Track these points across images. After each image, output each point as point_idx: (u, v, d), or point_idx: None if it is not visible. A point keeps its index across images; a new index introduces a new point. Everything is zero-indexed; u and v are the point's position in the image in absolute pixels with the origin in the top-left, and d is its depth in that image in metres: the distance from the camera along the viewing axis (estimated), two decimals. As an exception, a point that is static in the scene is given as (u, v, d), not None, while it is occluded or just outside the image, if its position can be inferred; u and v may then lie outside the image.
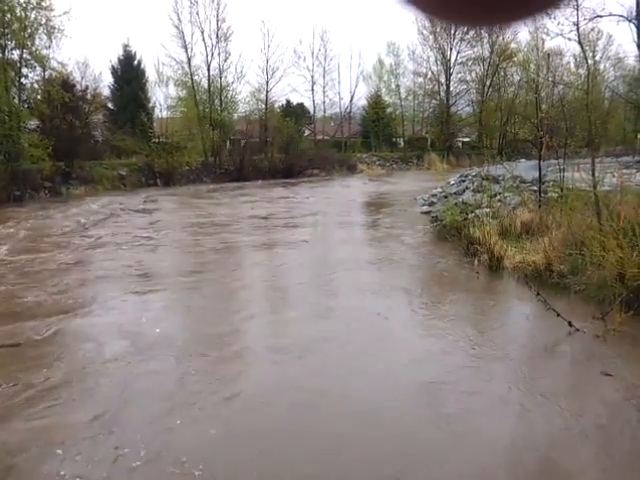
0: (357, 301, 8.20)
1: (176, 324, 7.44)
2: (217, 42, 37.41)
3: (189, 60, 37.00)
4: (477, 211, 11.34)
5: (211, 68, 37.49)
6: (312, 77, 45.94)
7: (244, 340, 6.81)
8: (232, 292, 9.05)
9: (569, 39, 10.62)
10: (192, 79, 37.22)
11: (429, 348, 6.35)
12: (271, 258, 11.82)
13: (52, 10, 26.54)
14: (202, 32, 37.02)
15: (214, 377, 5.44)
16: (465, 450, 4.21)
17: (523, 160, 19.79)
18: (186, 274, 9.98)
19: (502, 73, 45.79)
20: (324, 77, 46.51)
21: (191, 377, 5.43)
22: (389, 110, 50.37)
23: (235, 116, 40.86)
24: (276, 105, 43.81)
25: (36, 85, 29.12)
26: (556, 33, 11.01)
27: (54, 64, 28.83)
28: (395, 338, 6.76)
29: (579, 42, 10.43)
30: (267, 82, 40.82)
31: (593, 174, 9.22)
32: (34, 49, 27.06)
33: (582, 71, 38.34)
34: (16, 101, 26.78)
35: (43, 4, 26.27)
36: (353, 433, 4.37)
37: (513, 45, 44.65)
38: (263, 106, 40.90)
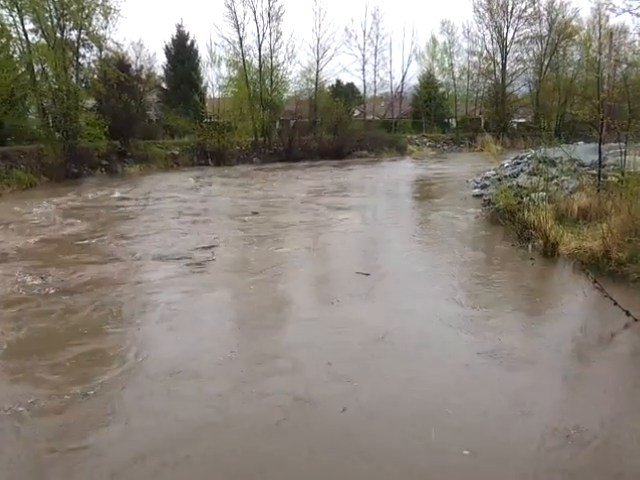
0: (406, 289, 8.15)
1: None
2: (269, 22, 37.43)
3: (241, 40, 37.18)
4: (532, 195, 11.00)
5: (262, 48, 37.61)
6: (363, 56, 45.52)
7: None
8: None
9: (637, 15, 10.05)
10: (243, 59, 37.40)
11: (481, 333, 6.23)
12: (321, 241, 11.82)
13: (108, -10, 27.09)
14: (254, 12, 37.09)
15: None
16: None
17: (581, 143, 19.10)
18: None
19: (561, 52, 44.17)
20: (375, 56, 45.98)
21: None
22: (442, 90, 49.39)
23: (285, 96, 40.90)
24: (326, 85, 43.71)
25: (93, 65, 30.00)
26: (623, 9, 10.46)
27: (110, 44, 29.62)
28: (448, 324, 6.66)
29: (647, 18, 9.88)
30: (317, 61, 40.71)
31: (658, 158, 8.80)
32: (91, 29, 27.80)
33: (648, 49, 36.57)
34: (74, 80, 27.58)
35: (100, -15, 26.85)
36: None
37: (574, 23, 43.02)
38: (313, 86, 40.81)
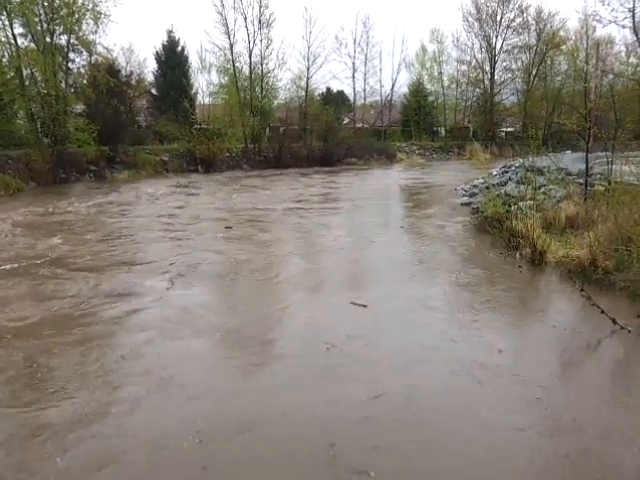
0: (395, 293, 8.17)
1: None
2: (259, 28, 37.40)
3: (231, 47, 37.14)
4: (520, 203, 11.09)
5: (253, 55, 37.58)
6: (353, 64, 45.72)
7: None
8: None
9: (623, 27, 10.21)
10: (234, 66, 37.38)
11: (469, 340, 6.26)
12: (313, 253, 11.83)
13: (99, -4, 27.07)
14: (245, 18, 37.06)
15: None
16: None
17: (569, 152, 19.33)
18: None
19: (549, 62, 44.54)
20: (365, 64, 46.18)
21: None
22: (431, 98, 49.68)
23: (275, 103, 40.93)
24: (316, 92, 43.74)
25: (82, 70, 29.88)
26: (609, 20, 10.61)
27: (100, 49, 29.55)
28: (437, 330, 6.69)
29: (634, 29, 10.02)
30: (308, 69, 40.75)
31: (643, 168, 8.92)
32: (81, 34, 27.73)
33: (634, 60, 37.10)
34: (63, 85, 27.49)
35: (90, -10, 26.82)
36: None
37: (561, 33, 43.49)
38: (303, 93, 40.84)
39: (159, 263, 9.87)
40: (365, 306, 7.44)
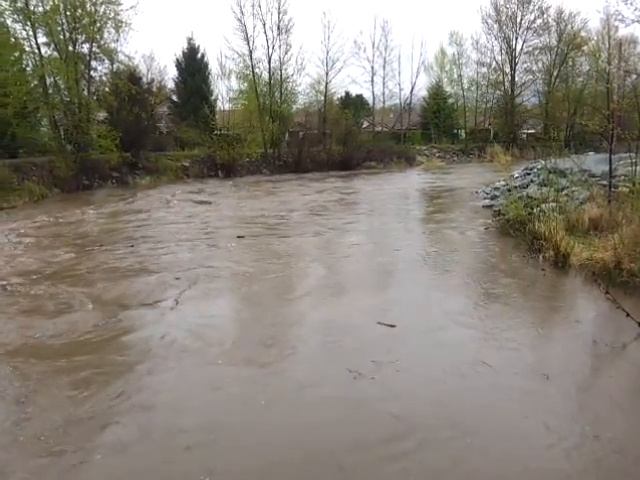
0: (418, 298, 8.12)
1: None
2: (278, 34, 37.69)
3: (251, 53, 37.42)
4: (543, 205, 10.96)
5: (272, 60, 37.87)
6: (372, 68, 45.75)
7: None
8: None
9: (646, 26, 10.06)
10: (253, 72, 37.65)
11: (509, 364, 6.16)
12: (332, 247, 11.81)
13: (120, 4, 27.52)
14: (264, 25, 37.37)
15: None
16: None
17: (591, 153, 19.09)
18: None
19: (570, 63, 44.13)
20: (384, 68, 46.18)
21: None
22: (451, 101, 49.57)
23: (294, 108, 41.12)
24: (335, 97, 43.90)
25: (104, 78, 30.25)
26: (632, 20, 10.47)
27: (121, 57, 29.88)
28: (472, 351, 6.56)
29: (657, 29, 9.87)
30: (327, 74, 40.86)
31: (669, 168, 8.76)
32: (103, 43, 28.11)
33: (658, 60, 36.51)
34: (85, 93, 27.92)
35: (112, -1, 27.20)
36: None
37: (583, 33, 43.01)
38: (322, 98, 40.95)
39: (166, 276, 9.26)
40: (394, 326, 6.78)
